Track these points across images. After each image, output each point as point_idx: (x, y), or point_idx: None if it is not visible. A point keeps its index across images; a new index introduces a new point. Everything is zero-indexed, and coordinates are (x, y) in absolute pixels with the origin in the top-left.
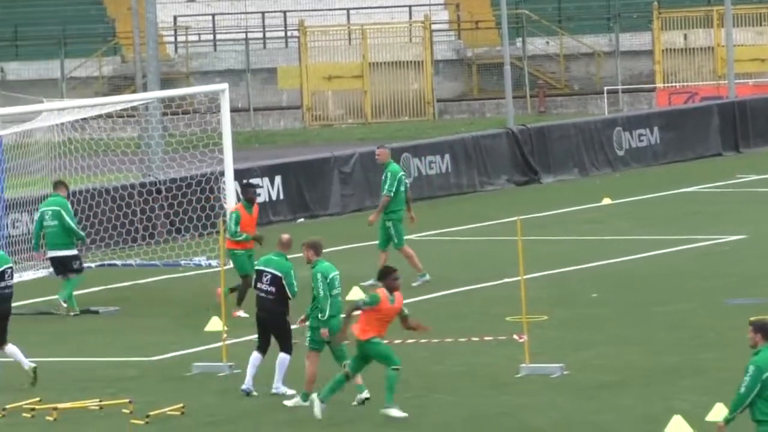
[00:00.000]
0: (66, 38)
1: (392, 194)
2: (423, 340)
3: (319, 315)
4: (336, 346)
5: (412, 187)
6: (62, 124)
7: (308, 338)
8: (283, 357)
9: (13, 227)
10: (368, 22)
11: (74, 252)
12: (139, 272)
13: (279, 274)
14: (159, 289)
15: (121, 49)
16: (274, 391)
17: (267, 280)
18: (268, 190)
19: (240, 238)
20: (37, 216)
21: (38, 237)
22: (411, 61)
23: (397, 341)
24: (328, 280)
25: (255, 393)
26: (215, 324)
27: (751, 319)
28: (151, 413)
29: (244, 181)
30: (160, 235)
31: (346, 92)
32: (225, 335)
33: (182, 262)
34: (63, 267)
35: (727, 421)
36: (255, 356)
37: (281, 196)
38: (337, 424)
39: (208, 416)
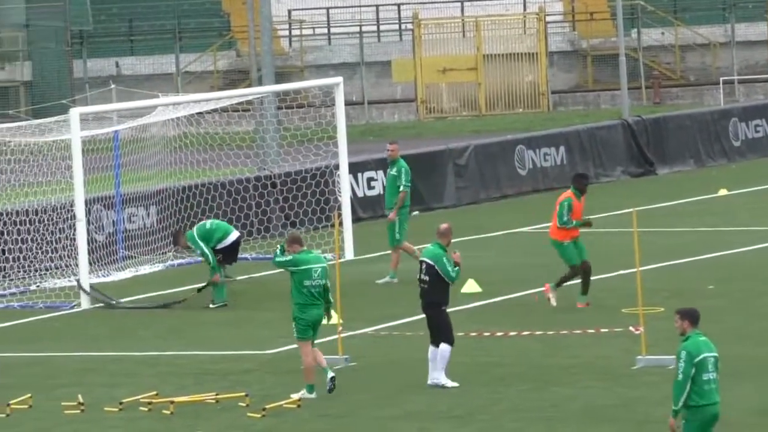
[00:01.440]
0: (181, 33)
1: (408, 189)
2: (538, 333)
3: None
4: None
5: (528, 178)
6: (178, 118)
7: (294, 329)
8: (444, 347)
9: (130, 221)
10: (482, 14)
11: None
12: (254, 266)
13: (431, 263)
14: (275, 282)
15: (236, 43)
16: (433, 382)
17: (424, 270)
18: (383, 183)
19: (570, 226)
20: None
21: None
22: (525, 53)
23: (512, 333)
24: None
25: (448, 384)
26: (331, 317)
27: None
28: (268, 406)
29: (578, 172)
30: (275, 228)
31: (460, 84)
32: (341, 328)
33: None
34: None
35: (675, 413)
36: (431, 350)
37: None
38: (459, 417)
39: (324, 409)
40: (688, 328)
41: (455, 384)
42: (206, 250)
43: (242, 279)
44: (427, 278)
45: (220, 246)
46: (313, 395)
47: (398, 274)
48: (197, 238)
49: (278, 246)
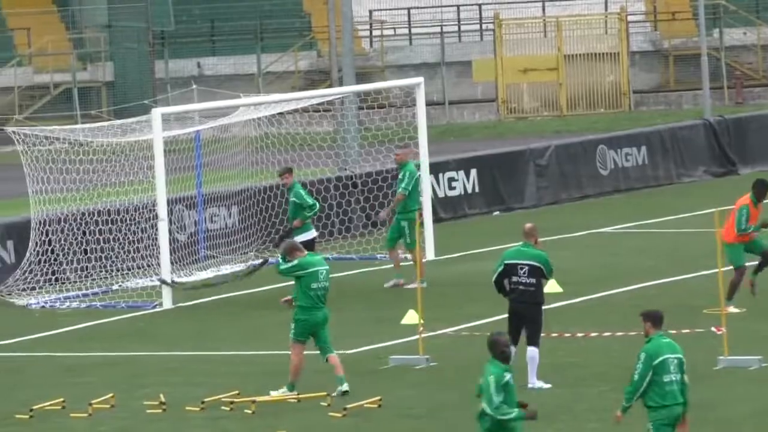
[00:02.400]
0: (262, 33)
1: (407, 193)
2: (619, 333)
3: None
4: None
5: (609, 178)
6: (259, 118)
7: (292, 329)
8: (533, 350)
9: (211, 221)
10: (564, 14)
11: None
12: (335, 266)
13: (538, 264)
14: (355, 282)
15: (317, 43)
16: (530, 386)
17: (524, 272)
18: (464, 182)
19: (748, 231)
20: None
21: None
22: (606, 53)
23: (593, 334)
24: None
25: (545, 386)
26: (412, 317)
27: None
28: (349, 406)
29: (758, 179)
30: (356, 228)
31: (541, 84)
32: (421, 328)
33: (378, 256)
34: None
35: (624, 409)
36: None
37: (476, 189)
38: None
39: (406, 409)
40: (650, 330)
41: (548, 385)
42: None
43: None
44: (532, 280)
45: (298, 239)
46: (294, 393)
47: (474, 275)
48: (302, 192)
49: (279, 257)
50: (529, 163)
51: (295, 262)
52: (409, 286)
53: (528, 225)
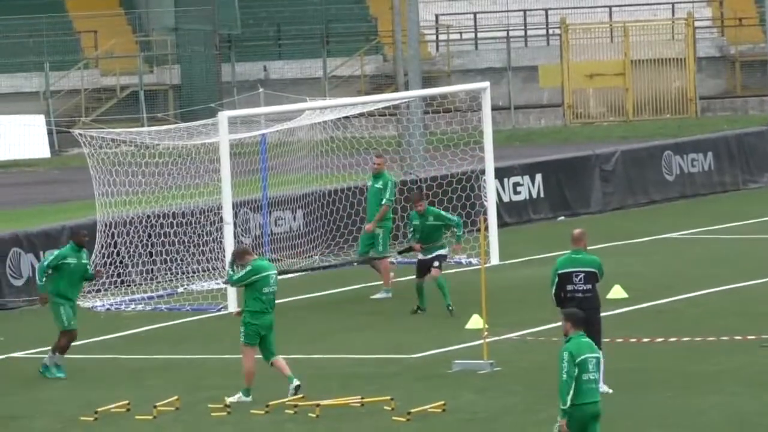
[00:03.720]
0: (328, 37)
1: (392, 204)
2: (684, 339)
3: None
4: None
5: (675, 184)
6: (324, 122)
7: (242, 333)
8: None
9: (276, 225)
10: (630, 20)
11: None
12: (399, 270)
13: (593, 270)
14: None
15: (383, 48)
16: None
17: (580, 279)
18: (529, 188)
19: None
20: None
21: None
22: (673, 59)
23: (658, 340)
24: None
25: (608, 390)
26: (476, 322)
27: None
28: (413, 410)
29: None
30: None
31: (607, 90)
32: (486, 333)
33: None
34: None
35: (564, 412)
36: None
37: (542, 194)
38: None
39: (470, 414)
40: (570, 329)
41: (609, 390)
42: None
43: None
44: (589, 286)
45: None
46: (249, 398)
47: (539, 280)
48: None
49: (228, 268)
50: (595, 168)
51: (249, 267)
52: (376, 296)
53: (577, 231)
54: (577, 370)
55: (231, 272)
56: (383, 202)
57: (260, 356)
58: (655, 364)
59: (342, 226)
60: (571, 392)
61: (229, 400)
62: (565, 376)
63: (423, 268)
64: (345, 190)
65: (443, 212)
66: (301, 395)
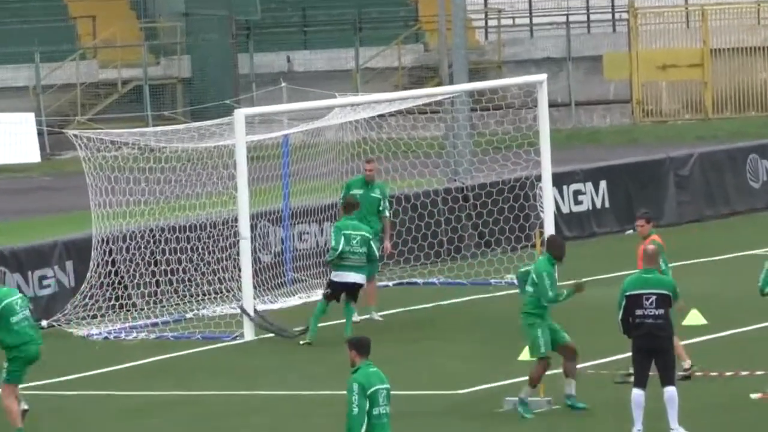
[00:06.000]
0: (362, 24)
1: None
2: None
3: None
4: None
5: (761, 192)
6: (356, 121)
7: (6, 371)
8: (672, 391)
9: (300, 240)
10: (709, 3)
11: None
12: (442, 291)
13: (666, 292)
14: (466, 311)
15: (424, 35)
16: None
17: (651, 303)
18: (592, 197)
19: None
20: None
21: None
22: (759, 47)
23: (743, 372)
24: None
25: None
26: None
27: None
28: None
29: None
30: (467, 249)
31: (682, 83)
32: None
33: (492, 281)
34: None
35: None
36: (638, 393)
37: (606, 204)
38: None
39: None
40: (356, 358)
41: None
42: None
43: (429, 307)
44: (661, 311)
45: None
46: None
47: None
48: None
49: None
50: (669, 173)
51: None
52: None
53: (650, 247)
54: (367, 404)
55: None
56: (386, 215)
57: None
58: (739, 400)
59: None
60: (364, 427)
61: None
62: (356, 409)
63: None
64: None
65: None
66: None
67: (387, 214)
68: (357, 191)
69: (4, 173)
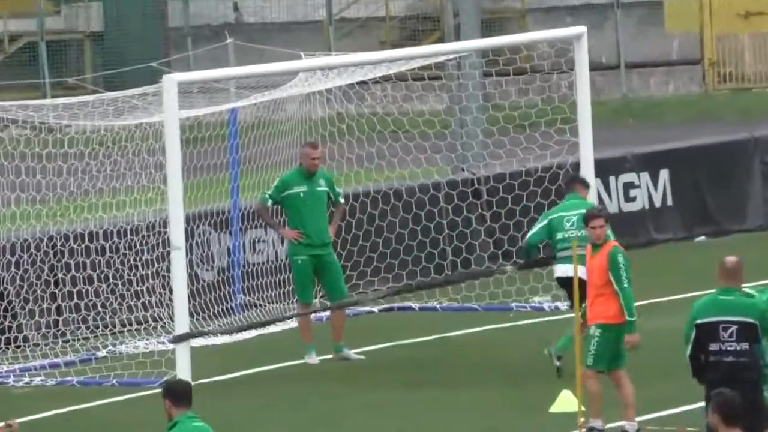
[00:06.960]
0: None
1: None
2: None
3: None
4: None
5: None
6: (329, 91)
7: None
8: None
9: (253, 251)
10: None
11: None
12: (446, 319)
13: (751, 321)
14: (479, 345)
15: None
16: None
17: (731, 335)
18: (649, 191)
19: None
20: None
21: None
22: None
23: None
24: None
25: None
26: (566, 402)
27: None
28: None
29: None
30: (478, 261)
31: None
32: (582, 419)
33: (513, 305)
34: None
35: None
36: None
37: (668, 202)
38: None
39: None
40: (172, 409)
41: None
42: None
43: (430, 340)
44: (744, 345)
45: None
46: None
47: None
48: None
49: None
50: (754, 160)
51: None
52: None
53: (730, 259)
54: None
55: None
56: (341, 202)
57: None
58: None
59: (356, 251)
60: None
61: None
62: None
63: None
64: (361, 195)
65: None
66: None
67: (341, 200)
68: (299, 188)
69: None
